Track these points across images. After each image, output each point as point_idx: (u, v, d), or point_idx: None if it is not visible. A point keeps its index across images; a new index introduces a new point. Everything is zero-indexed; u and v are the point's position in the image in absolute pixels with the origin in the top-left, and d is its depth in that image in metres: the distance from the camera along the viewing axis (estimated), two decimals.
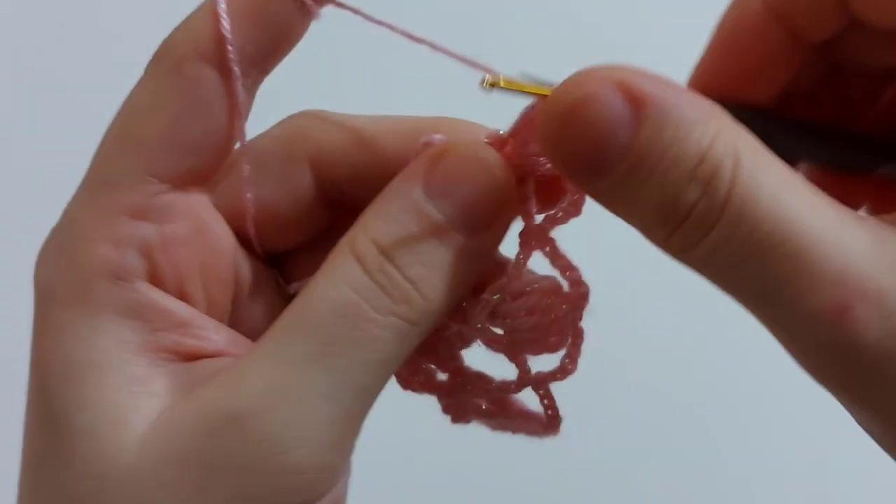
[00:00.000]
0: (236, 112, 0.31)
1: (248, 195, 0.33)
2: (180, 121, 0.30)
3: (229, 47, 0.30)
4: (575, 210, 0.32)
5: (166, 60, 0.30)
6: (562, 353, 0.33)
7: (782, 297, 0.26)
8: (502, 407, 0.34)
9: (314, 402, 0.29)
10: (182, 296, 0.32)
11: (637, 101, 0.26)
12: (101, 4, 0.81)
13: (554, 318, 0.32)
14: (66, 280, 0.30)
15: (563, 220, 0.32)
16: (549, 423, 0.34)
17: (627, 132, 0.26)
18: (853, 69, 0.33)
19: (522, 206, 0.32)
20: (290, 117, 0.35)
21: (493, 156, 0.31)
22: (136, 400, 0.29)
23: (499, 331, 0.33)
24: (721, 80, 0.32)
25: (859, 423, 0.29)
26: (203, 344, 0.31)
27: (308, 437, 0.29)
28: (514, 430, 0.34)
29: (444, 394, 0.35)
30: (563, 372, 0.33)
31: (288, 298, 0.35)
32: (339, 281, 0.30)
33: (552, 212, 0.33)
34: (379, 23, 0.32)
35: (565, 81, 0.28)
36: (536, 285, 0.32)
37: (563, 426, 0.34)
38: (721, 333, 0.64)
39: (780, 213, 0.26)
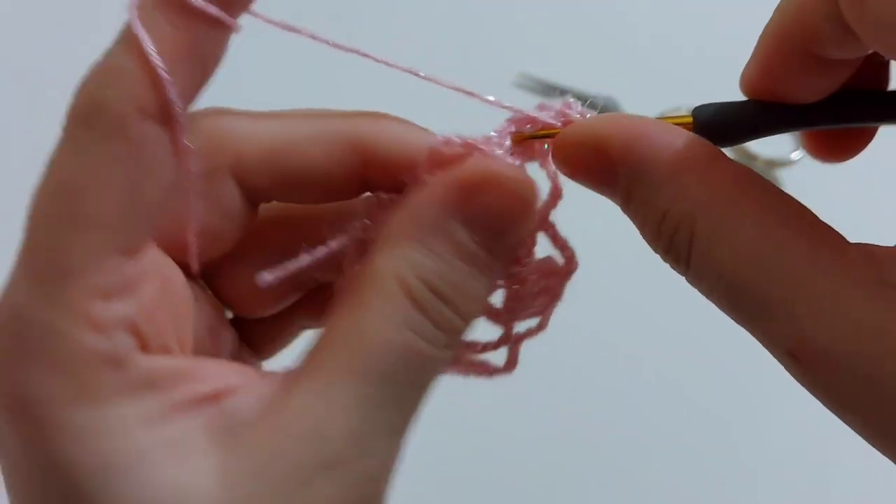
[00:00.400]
0: (185, 161, 0.29)
1: (191, 227, 0.33)
2: (136, 189, 0.27)
3: (171, 96, 0.27)
4: (559, 194, 0.35)
5: (103, 124, 0.27)
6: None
7: (755, 334, 0.29)
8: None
9: (391, 438, 0.30)
10: (165, 351, 0.31)
11: (609, 162, 0.30)
12: (100, 4, 0.81)
13: (552, 296, 0.35)
14: (60, 381, 0.27)
15: (554, 204, 0.35)
16: (506, 367, 0.36)
17: (613, 181, 0.31)
18: None
19: None
20: (199, 122, 0.32)
21: (527, 184, 0.31)
22: (187, 464, 0.28)
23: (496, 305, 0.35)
24: (770, 91, 0.33)
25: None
26: (215, 384, 0.30)
27: (389, 467, 0.30)
28: (467, 374, 0.37)
29: None
30: (538, 331, 0.36)
31: (214, 303, 0.36)
32: (397, 321, 0.30)
33: (546, 199, 0.35)
34: (298, 32, 0.32)
35: (560, 139, 0.32)
36: (541, 268, 0.35)
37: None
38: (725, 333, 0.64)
39: (739, 269, 0.28)
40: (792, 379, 0.29)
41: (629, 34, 0.86)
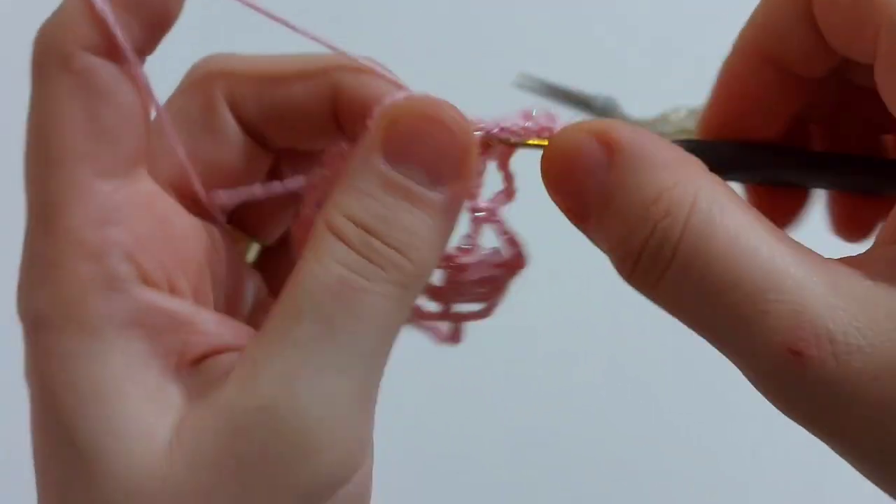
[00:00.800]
0: (144, 90, 0.31)
1: (184, 159, 0.33)
2: (95, 116, 0.29)
3: (113, 30, 0.29)
4: (512, 195, 0.35)
5: (52, 63, 0.29)
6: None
7: (739, 340, 0.28)
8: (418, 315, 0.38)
9: (330, 379, 0.29)
10: (173, 292, 0.31)
11: (610, 145, 0.29)
12: None
13: (496, 286, 0.36)
14: (57, 305, 0.29)
15: (504, 201, 0.35)
16: (451, 337, 0.38)
17: (603, 174, 0.29)
18: (864, 92, 0.34)
19: (472, 184, 0.34)
20: (195, 65, 0.35)
21: (447, 110, 0.31)
22: (156, 411, 0.29)
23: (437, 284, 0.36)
24: (727, 121, 0.35)
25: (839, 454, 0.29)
26: (209, 340, 0.31)
27: (332, 414, 0.29)
28: (422, 331, 0.38)
29: None
30: (481, 316, 0.37)
31: (233, 248, 0.36)
32: (325, 259, 0.30)
33: (497, 194, 0.35)
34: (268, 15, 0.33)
35: (556, 134, 0.31)
36: (485, 258, 0.36)
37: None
38: None
39: (735, 257, 0.27)
40: None
41: (629, 34, 0.86)
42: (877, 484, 0.29)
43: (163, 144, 0.33)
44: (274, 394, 0.29)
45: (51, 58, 0.29)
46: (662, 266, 0.28)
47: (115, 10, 0.29)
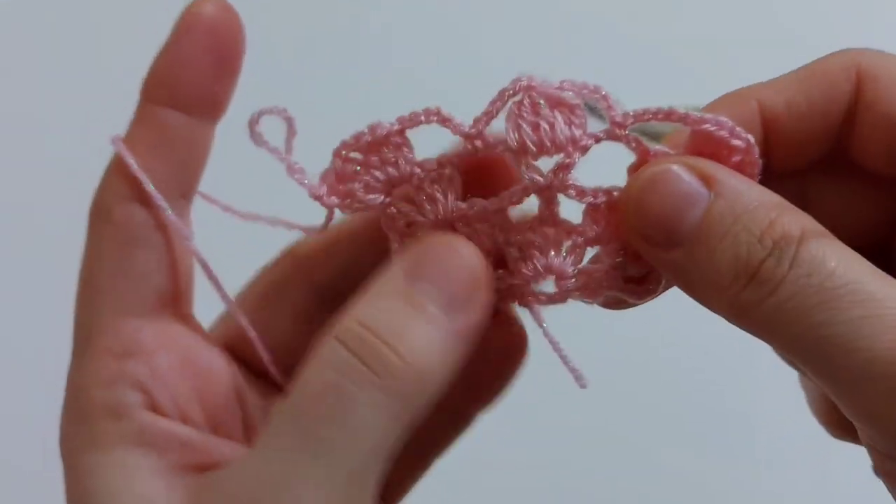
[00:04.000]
0: (176, 232, 0.34)
1: (253, 334, 0.36)
2: (126, 259, 0.33)
3: (144, 181, 0.33)
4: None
5: (97, 215, 0.34)
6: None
7: (848, 343, 0.28)
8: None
9: (307, 493, 0.29)
10: (184, 420, 0.33)
11: (709, 178, 0.30)
12: (100, 4, 0.81)
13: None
14: (78, 429, 0.33)
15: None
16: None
17: (702, 203, 0.30)
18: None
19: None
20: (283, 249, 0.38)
21: (462, 242, 0.32)
22: None
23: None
24: None
25: None
26: (213, 458, 0.32)
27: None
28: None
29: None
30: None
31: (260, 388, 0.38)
32: (322, 364, 0.30)
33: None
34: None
35: (648, 165, 0.32)
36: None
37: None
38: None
39: (848, 269, 0.29)
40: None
41: (630, 35, 0.86)
42: None
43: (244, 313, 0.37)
44: (252, 502, 0.30)
45: (96, 211, 0.34)
46: (776, 282, 0.29)
47: (148, 161, 0.33)
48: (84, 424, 0.32)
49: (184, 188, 0.34)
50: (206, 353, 0.35)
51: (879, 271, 0.29)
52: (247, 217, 0.37)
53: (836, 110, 0.34)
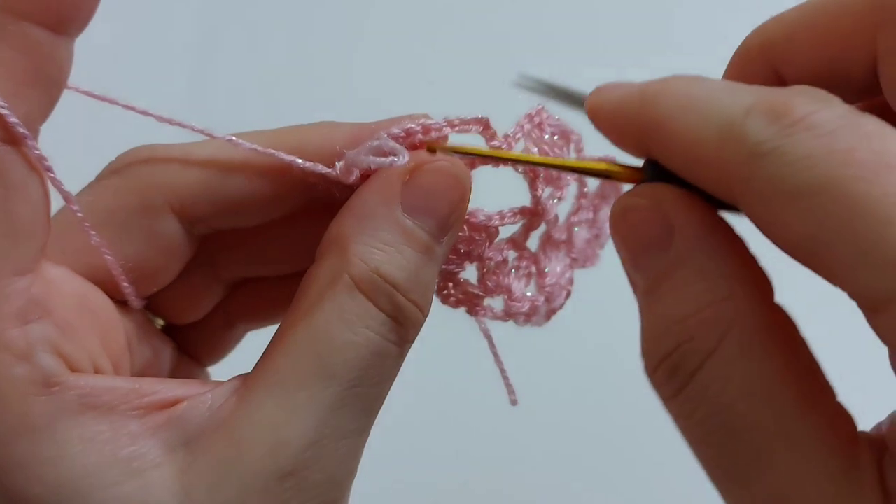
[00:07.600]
0: (41, 171, 0.30)
1: (109, 257, 0.33)
2: (7, 214, 0.28)
3: (10, 119, 0.28)
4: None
5: None
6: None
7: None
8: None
9: (352, 440, 0.31)
10: (98, 371, 0.31)
11: (671, 228, 0.28)
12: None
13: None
14: (2, 417, 0.28)
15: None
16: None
17: (661, 248, 0.28)
18: None
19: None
20: (125, 162, 0.34)
21: (462, 168, 0.32)
22: (144, 479, 0.29)
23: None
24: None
25: None
26: (162, 397, 0.30)
27: (351, 470, 0.31)
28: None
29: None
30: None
31: (146, 318, 0.36)
32: (356, 325, 0.30)
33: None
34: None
35: (632, 190, 0.30)
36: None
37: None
38: None
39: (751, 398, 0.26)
40: None
41: (630, 35, 0.86)
42: None
43: (74, 236, 0.32)
44: (305, 458, 0.29)
45: None
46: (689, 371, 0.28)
47: (14, 88, 0.28)
48: (10, 410, 0.28)
49: (46, 115, 0.30)
50: (92, 292, 0.33)
51: (785, 392, 0.26)
52: (124, 105, 0.33)
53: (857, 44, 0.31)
